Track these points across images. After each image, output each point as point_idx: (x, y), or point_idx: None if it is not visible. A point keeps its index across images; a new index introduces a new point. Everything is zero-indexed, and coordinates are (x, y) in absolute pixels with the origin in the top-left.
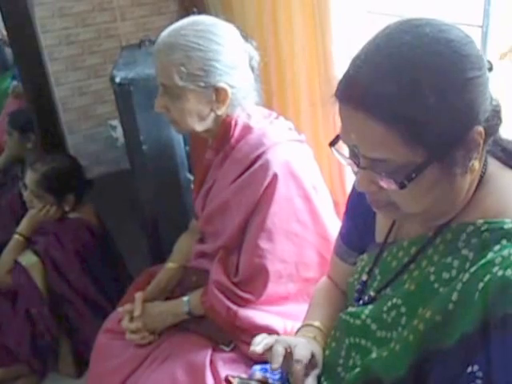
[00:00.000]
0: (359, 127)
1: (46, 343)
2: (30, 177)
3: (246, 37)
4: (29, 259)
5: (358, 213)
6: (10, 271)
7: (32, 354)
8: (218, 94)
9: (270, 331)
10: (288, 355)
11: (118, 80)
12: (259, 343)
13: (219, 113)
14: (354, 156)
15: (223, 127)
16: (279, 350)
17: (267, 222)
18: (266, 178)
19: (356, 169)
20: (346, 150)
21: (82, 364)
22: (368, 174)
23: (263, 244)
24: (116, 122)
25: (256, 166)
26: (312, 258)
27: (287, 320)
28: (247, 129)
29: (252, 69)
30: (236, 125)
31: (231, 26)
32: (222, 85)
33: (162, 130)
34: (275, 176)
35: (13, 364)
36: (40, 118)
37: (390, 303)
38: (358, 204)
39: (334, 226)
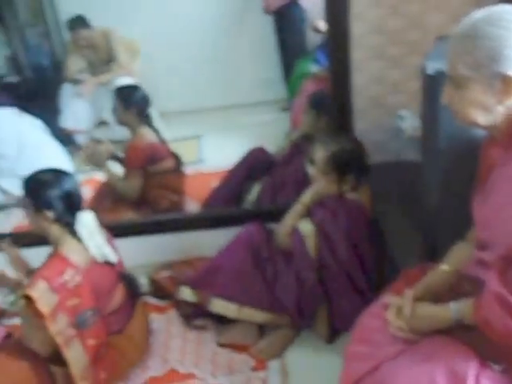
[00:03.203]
0: None
1: (308, 304)
2: (320, 154)
3: None
4: (306, 227)
5: None
6: (290, 234)
7: (296, 311)
8: (506, 84)
9: None
10: None
11: (429, 72)
12: None
13: (508, 104)
14: None
15: None
16: None
17: None
18: None
19: None
20: None
21: (334, 331)
22: None
23: None
24: (405, 113)
25: None
26: None
27: None
28: None
29: None
30: None
31: None
32: (510, 73)
33: (464, 132)
34: None
35: (279, 313)
36: (335, 101)
37: None
38: None
39: None
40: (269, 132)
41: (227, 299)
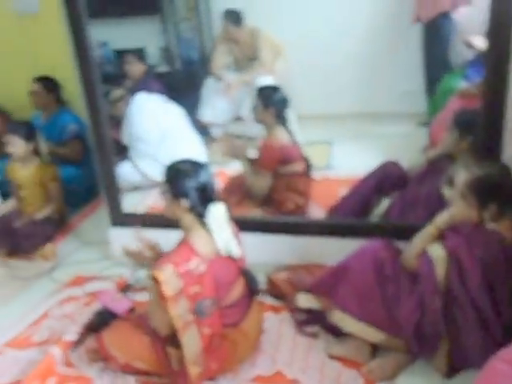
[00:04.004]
0: None
1: (428, 332)
2: (462, 177)
3: None
4: (437, 252)
5: None
6: (418, 257)
7: (414, 336)
8: None
9: None
10: None
11: None
12: None
13: None
14: None
15: None
16: None
17: None
18: None
19: None
20: None
21: (454, 366)
22: None
23: None
24: None
25: None
26: None
27: None
28: None
29: None
30: None
31: None
32: None
33: None
34: None
35: (396, 336)
36: (486, 122)
37: None
38: None
39: None
40: (403, 145)
41: (345, 311)
